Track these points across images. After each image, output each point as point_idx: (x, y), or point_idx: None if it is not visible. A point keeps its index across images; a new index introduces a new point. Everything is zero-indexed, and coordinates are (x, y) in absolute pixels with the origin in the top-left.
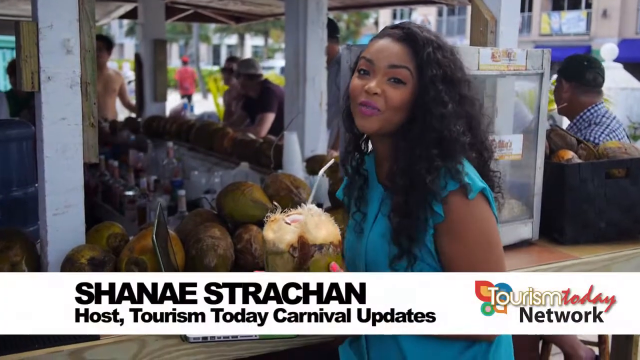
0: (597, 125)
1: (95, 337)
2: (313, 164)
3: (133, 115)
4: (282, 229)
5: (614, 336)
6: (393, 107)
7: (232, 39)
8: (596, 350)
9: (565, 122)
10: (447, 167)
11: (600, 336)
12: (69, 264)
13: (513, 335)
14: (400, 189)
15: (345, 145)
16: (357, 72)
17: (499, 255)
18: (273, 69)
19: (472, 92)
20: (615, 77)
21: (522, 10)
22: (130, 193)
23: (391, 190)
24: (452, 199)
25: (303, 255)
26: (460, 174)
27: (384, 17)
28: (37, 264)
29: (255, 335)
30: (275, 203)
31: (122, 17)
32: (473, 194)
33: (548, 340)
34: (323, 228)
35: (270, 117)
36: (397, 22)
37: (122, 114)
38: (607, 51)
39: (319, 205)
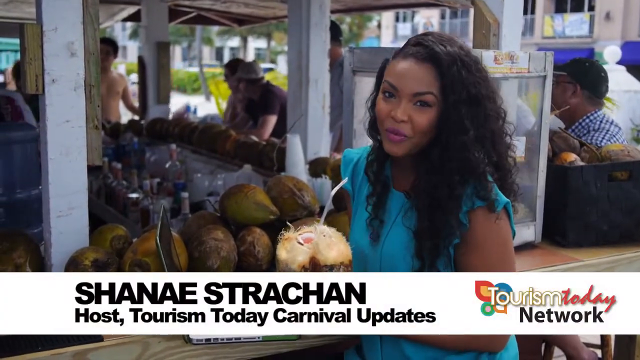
0: (597, 132)
1: (99, 339)
2: (316, 167)
3: (136, 117)
4: (294, 249)
5: (616, 338)
6: (420, 132)
7: (235, 42)
8: (599, 352)
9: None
10: (475, 187)
11: (602, 338)
12: (73, 266)
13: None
14: (424, 210)
15: (368, 153)
16: (382, 94)
17: (513, 269)
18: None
19: (497, 105)
20: (618, 79)
21: (525, 12)
22: (133, 195)
23: (416, 207)
24: (478, 211)
25: None
26: (488, 192)
27: (387, 19)
28: (40, 266)
29: (258, 337)
30: (289, 224)
31: (125, 19)
32: (499, 209)
33: (550, 342)
34: (334, 248)
35: (273, 120)
36: (400, 25)
37: (126, 116)
38: (610, 54)
39: (322, 208)
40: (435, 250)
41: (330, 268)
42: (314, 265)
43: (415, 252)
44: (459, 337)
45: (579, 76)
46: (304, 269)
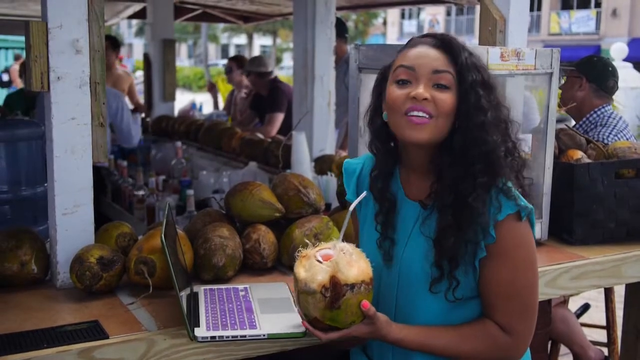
0: (604, 127)
1: (105, 336)
2: (321, 164)
3: (142, 115)
4: (313, 267)
5: (623, 336)
6: (444, 113)
7: (241, 39)
8: (605, 350)
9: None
10: (498, 187)
11: (609, 336)
12: (78, 263)
13: None
14: (448, 207)
15: (371, 168)
16: (395, 83)
17: (538, 278)
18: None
19: (505, 102)
20: (625, 76)
21: (531, 9)
22: (139, 193)
23: (437, 209)
24: (506, 221)
25: (335, 295)
26: (512, 192)
27: (392, 16)
28: (46, 263)
29: (264, 335)
30: (308, 241)
31: (131, 17)
32: (524, 217)
33: (557, 340)
34: (355, 266)
35: (280, 117)
36: (406, 22)
37: None
38: (617, 50)
39: (328, 206)
40: (456, 255)
41: (352, 287)
42: (334, 284)
43: (435, 260)
44: (474, 348)
45: (586, 69)
46: (324, 288)
